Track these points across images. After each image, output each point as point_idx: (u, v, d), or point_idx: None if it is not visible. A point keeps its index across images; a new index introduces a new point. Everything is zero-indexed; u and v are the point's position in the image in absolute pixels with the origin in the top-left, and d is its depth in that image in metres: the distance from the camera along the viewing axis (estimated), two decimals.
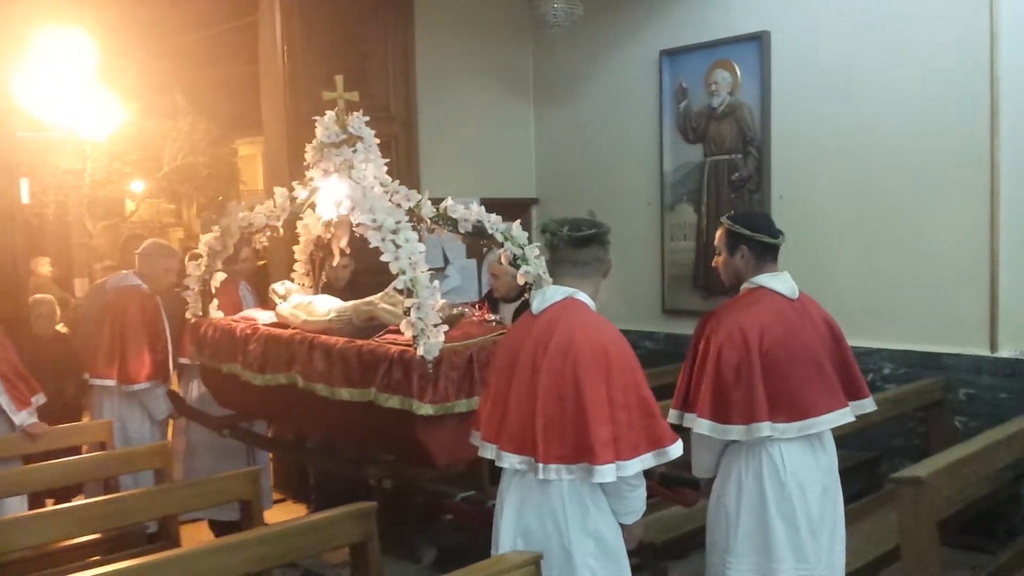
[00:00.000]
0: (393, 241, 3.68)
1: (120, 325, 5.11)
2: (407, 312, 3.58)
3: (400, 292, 3.64)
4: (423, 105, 6.53)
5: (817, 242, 5.31)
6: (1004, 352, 4.78)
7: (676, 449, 2.71)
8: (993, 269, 4.70)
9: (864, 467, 5.18)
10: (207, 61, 9.16)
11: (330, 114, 4.31)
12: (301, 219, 4.65)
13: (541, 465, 2.67)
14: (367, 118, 4.27)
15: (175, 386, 5.56)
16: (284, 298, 4.81)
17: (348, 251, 4.96)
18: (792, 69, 5.44)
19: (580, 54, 6.69)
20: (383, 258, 3.65)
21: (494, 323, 4.27)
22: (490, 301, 5.18)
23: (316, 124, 4.31)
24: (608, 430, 2.62)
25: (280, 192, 4.56)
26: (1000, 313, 4.73)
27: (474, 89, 6.86)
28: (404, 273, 3.60)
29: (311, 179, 4.45)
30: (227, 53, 8.32)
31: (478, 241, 4.12)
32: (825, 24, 5.28)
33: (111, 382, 5.10)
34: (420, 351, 3.52)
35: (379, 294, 4.32)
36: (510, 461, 2.80)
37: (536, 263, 3.96)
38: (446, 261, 6.59)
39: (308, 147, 4.40)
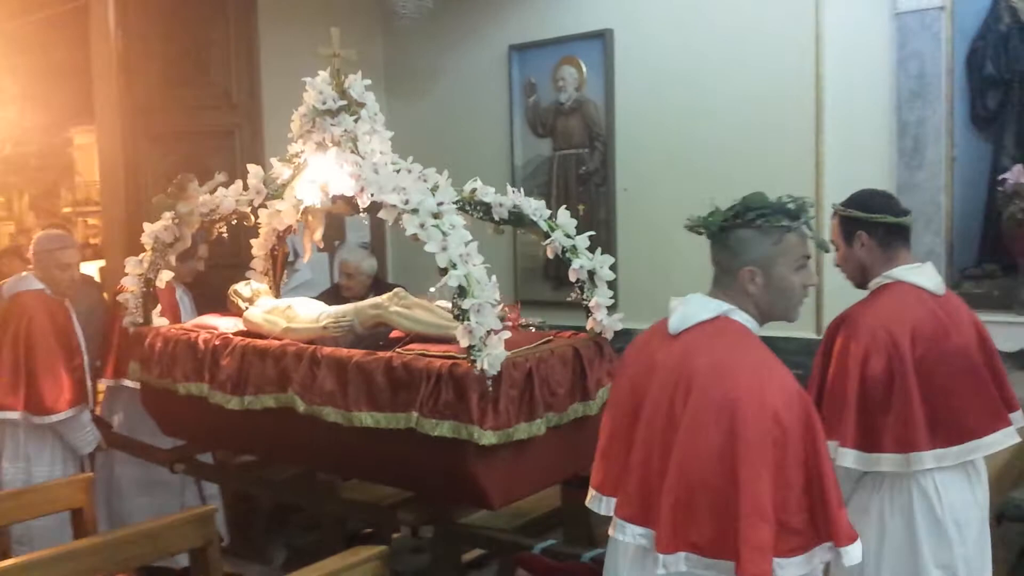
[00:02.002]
0: (438, 227, 2.94)
1: (25, 340, 4.08)
2: (460, 316, 2.85)
3: (455, 297, 2.89)
4: (269, 94, 6.07)
5: (658, 232, 5.42)
6: None
7: (854, 553, 1.96)
8: (818, 257, 4.56)
9: None
10: (38, 46, 8.13)
11: (323, 75, 3.52)
12: (264, 207, 3.81)
13: (663, 556, 1.96)
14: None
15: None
16: (251, 301, 3.96)
17: (321, 245, 4.18)
18: (634, 66, 5.59)
19: (431, 47, 6.53)
20: (428, 248, 2.91)
21: (533, 328, 3.60)
22: (335, 299, 4.47)
23: (306, 88, 3.51)
24: (766, 533, 1.88)
25: (255, 170, 3.72)
26: (824, 299, 4.80)
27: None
28: (455, 267, 2.88)
29: (296, 155, 3.64)
30: (62, 38, 7.41)
31: (515, 229, 3.43)
32: (664, 23, 5.45)
33: (15, 414, 4.06)
34: (482, 364, 2.80)
35: (385, 295, 3.57)
36: (628, 532, 2.08)
37: (588, 257, 3.31)
38: (295, 255, 5.89)
39: (295, 116, 3.60)
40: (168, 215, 3.79)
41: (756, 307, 2.13)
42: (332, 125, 3.45)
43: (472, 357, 2.83)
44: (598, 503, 2.22)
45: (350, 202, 3.52)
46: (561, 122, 5.90)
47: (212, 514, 3.12)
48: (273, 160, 3.75)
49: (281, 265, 4.46)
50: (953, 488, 2.62)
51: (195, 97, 5.92)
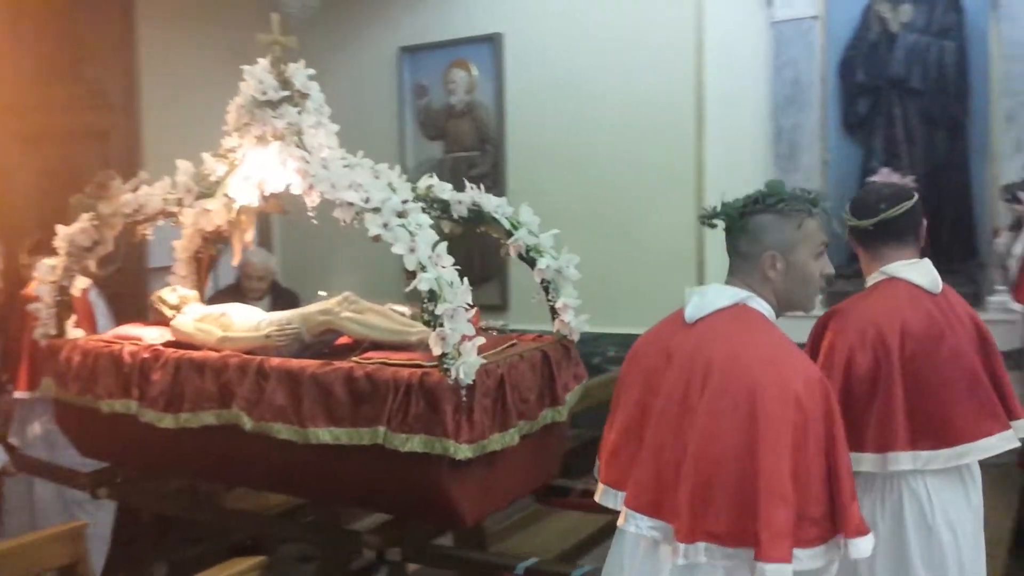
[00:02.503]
0: (404, 227, 2.73)
1: None
2: (432, 322, 2.65)
3: (425, 301, 2.68)
4: (148, 93, 5.85)
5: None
6: None
7: (863, 546, 1.88)
8: (700, 256, 5.13)
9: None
10: None
11: (263, 62, 3.25)
12: (190, 207, 3.50)
13: (683, 546, 1.85)
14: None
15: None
16: (178, 309, 3.64)
17: (251, 246, 3.91)
18: (524, 71, 5.68)
19: (319, 47, 6.34)
20: (396, 249, 2.69)
21: (495, 332, 3.42)
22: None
23: (244, 75, 3.24)
24: (786, 517, 1.80)
25: (184, 167, 3.42)
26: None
27: (206, 80, 5.90)
28: (424, 270, 2.67)
29: (230, 149, 3.35)
30: None
31: (474, 229, 3.24)
32: (553, 28, 5.54)
33: None
34: (456, 373, 2.60)
35: (333, 299, 3.32)
36: (638, 524, 1.97)
37: (554, 255, 3.15)
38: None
39: (231, 107, 3.31)
40: (87, 216, 3.43)
41: (774, 295, 2.07)
42: (274, 117, 3.18)
43: (445, 365, 2.62)
44: (611, 497, 2.09)
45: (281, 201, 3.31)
46: (452, 125, 5.93)
47: (82, 530, 2.91)
48: (205, 155, 3.44)
49: (207, 269, 4.14)
50: (946, 492, 2.56)
51: (68, 96, 5.49)
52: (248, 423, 2.95)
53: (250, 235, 3.86)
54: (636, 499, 2.00)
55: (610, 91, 5.35)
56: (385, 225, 2.75)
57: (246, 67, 3.24)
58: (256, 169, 3.31)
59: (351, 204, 2.86)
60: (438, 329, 2.61)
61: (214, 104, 6.02)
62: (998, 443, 2.57)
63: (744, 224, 2.06)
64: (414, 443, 2.63)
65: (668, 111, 5.24)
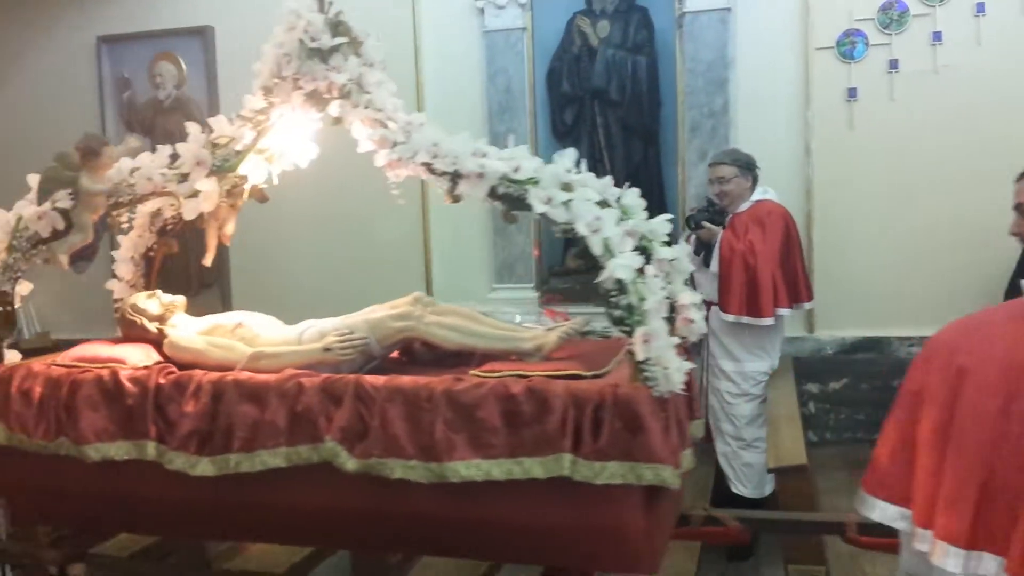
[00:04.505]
0: (569, 203, 2.18)
1: None
2: (623, 322, 2.13)
3: (612, 294, 2.14)
4: None
5: (278, 242, 5.27)
6: None
7: None
8: (427, 257, 5.11)
9: None
10: None
11: (307, 2, 2.55)
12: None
13: None
14: None
15: None
16: (162, 320, 2.81)
17: (229, 242, 3.15)
18: (238, 66, 5.36)
19: (12, 32, 5.86)
20: (579, 229, 2.14)
21: (595, 336, 2.93)
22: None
23: (284, 24, 2.53)
24: None
25: (194, 132, 2.62)
26: (434, 296, 4.88)
27: None
28: (611, 255, 2.14)
29: (260, 111, 2.61)
30: None
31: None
32: (267, 24, 5.36)
33: None
34: (667, 385, 2.10)
35: (402, 302, 2.68)
36: (967, 563, 1.59)
37: (669, 246, 2.66)
38: None
39: (262, 61, 2.59)
40: (62, 195, 2.52)
41: None
42: (330, 71, 2.49)
43: (648, 374, 2.11)
44: (891, 515, 1.61)
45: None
46: (161, 121, 5.56)
47: None
48: (220, 118, 2.67)
49: (158, 270, 3.27)
50: None
51: None
52: (349, 462, 2.25)
53: (231, 227, 3.10)
54: (953, 529, 1.59)
55: None
56: (548, 200, 2.18)
57: (289, 4, 2.52)
58: (290, 136, 2.62)
59: (480, 175, 2.27)
60: (641, 330, 2.09)
61: None
62: None
63: None
64: (610, 473, 2.10)
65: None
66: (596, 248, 2.14)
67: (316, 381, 2.35)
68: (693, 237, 3.88)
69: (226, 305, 5.40)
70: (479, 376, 2.31)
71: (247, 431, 2.36)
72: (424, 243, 5.10)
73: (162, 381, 2.47)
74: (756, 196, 3.80)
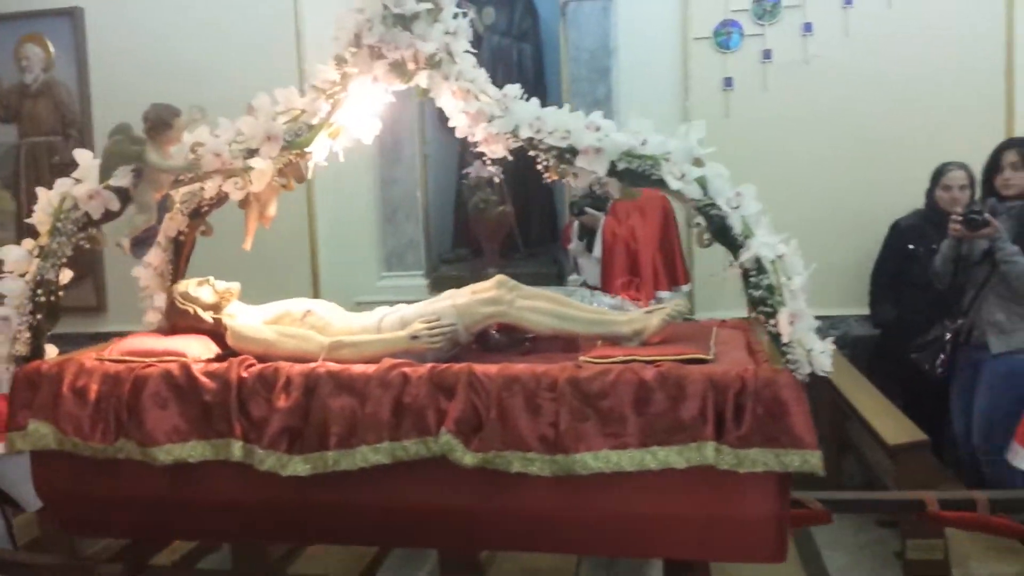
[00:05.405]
0: (702, 180, 2.07)
1: None
2: (764, 303, 2.04)
3: (752, 274, 2.05)
4: None
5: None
6: None
7: None
8: (312, 245, 4.96)
9: None
10: None
11: None
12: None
13: None
14: None
15: None
16: (216, 309, 2.60)
17: (268, 226, 2.95)
18: (110, 49, 5.20)
19: None
20: (723, 215, 2.03)
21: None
22: None
23: None
24: None
25: (262, 103, 2.41)
26: (321, 286, 4.96)
27: None
28: (748, 235, 2.05)
29: (335, 82, 2.42)
30: None
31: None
32: (141, 5, 5.16)
33: None
34: (810, 367, 2.02)
35: (487, 285, 2.53)
36: None
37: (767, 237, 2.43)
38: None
39: (339, 28, 2.39)
40: (125, 171, 2.28)
41: None
42: (417, 38, 2.32)
43: (791, 357, 2.03)
44: None
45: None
46: (28, 106, 5.31)
47: None
48: (289, 90, 2.46)
49: (187, 255, 3.03)
50: None
51: None
52: (466, 456, 2.10)
53: (272, 208, 2.90)
54: None
55: (211, 74, 4.85)
56: (682, 176, 2.07)
57: None
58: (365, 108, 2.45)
59: (598, 150, 2.14)
60: (786, 311, 2.01)
61: None
62: None
63: None
64: (755, 459, 2.01)
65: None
66: (736, 226, 2.04)
67: (423, 371, 2.19)
68: (576, 223, 3.99)
69: (100, 299, 5.15)
70: (597, 363, 2.19)
71: (344, 426, 2.18)
72: (310, 231, 4.95)
73: (244, 375, 2.27)
74: None
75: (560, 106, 2.34)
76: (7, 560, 2.55)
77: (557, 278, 4.39)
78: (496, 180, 4.76)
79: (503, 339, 2.66)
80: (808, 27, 4.44)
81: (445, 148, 5.12)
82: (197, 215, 2.91)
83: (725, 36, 4.54)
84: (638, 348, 2.31)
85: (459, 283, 4.52)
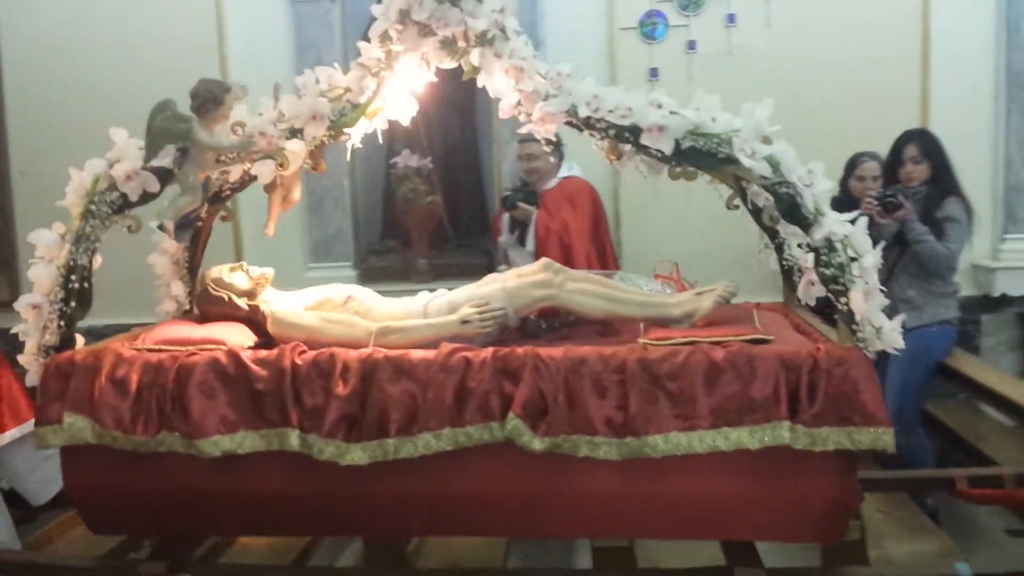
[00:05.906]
0: (771, 158, 2.06)
1: None
2: (836, 280, 2.04)
3: (823, 253, 2.04)
4: None
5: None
6: None
7: None
8: (237, 234, 4.82)
9: None
10: None
11: None
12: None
13: None
14: None
15: None
16: (251, 295, 2.52)
17: (287, 211, 2.88)
18: (22, 36, 5.03)
19: None
20: (793, 193, 2.02)
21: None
22: None
23: None
24: None
25: (307, 82, 2.34)
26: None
27: None
28: (820, 214, 2.04)
29: (380, 60, 2.35)
30: None
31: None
32: (52, 16, 5.03)
33: None
34: (879, 344, 2.03)
35: (532, 269, 2.49)
36: None
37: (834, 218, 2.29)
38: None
39: (387, 2, 2.32)
40: (169, 150, 2.18)
41: None
42: (467, 15, 2.27)
43: (861, 335, 2.03)
44: None
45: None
46: None
47: None
48: (330, 68, 2.38)
49: (205, 242, 2.93)
50: None
51: None
52: (534, 441, 2.06)
53: (297, 192, 2.82)
54: None
55: (114, 49, 4.77)
56: (752, 154, 2.06)
57: None
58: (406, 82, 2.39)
59: (662, 128, 2.11)
60: (859, 288, 2.01)
61: None
62: None
63: None
64: (828, 438, 2.01)
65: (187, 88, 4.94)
66: (808, 204, 2.03)
67: (485, 355, 2.14)
68: (506, 216, 4.04)
69: (14, 289, 4.88)
70: (661, 344, 2.17)
71: (404, 413, 2.12)
72: (233, 221, 4.67)
73: (298, 361, 2.19)
74: (563, 173, 4.03)
75: (489, 97, 2.34)
76: (40, 564, 2.42)
77: (487, 269, 4.31)
78: (425, 170, 4.73)
79: (543, 323, 2.63)
80: (731, 18, 4.52)
81: (373, 136, 4.98)
82: (217, 199, 2.81)
83: (651, 27, 4.58)
84: (692, 330, 2.29)
85: (389, 274, 4.71)
